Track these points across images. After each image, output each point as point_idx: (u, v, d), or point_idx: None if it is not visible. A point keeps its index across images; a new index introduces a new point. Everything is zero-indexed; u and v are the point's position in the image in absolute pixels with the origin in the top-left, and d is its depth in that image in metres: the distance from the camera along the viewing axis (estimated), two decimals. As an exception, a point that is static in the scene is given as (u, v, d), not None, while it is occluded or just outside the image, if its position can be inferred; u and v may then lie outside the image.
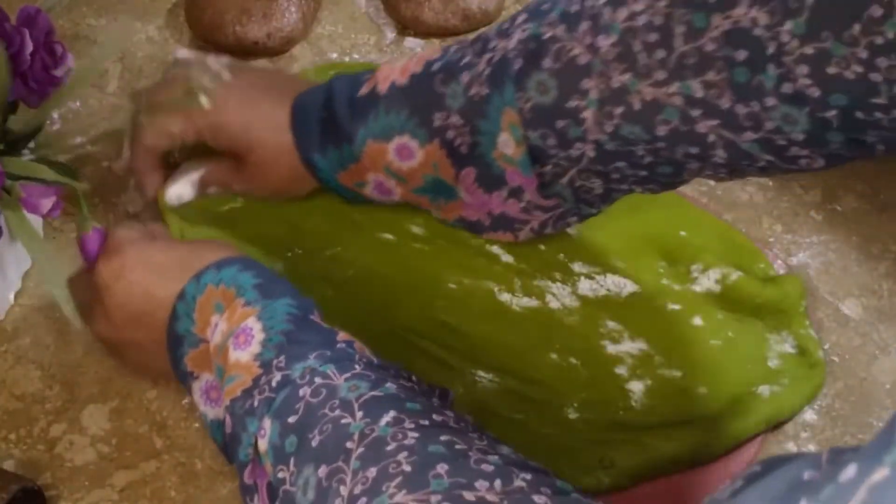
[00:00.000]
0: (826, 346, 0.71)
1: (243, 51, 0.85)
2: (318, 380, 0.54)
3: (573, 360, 0.69)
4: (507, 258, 0.73)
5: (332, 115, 0.67)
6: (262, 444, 0.54)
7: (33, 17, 0.65)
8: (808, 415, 0.68)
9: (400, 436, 0.50)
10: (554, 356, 0.69)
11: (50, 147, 0.69)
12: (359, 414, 0.52)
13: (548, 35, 0.60)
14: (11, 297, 0.73)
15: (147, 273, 0.62)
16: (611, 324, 0.71)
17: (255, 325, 0.58)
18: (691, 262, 0.73)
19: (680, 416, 0.66)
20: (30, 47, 0.64)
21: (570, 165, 0.62)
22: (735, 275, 0.72)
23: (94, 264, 0.65)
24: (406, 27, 0.88)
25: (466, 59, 0.64)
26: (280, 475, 0.52)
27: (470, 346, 0.69)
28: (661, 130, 0.58)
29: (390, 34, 0.88)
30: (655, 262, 0.73)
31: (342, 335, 0.59)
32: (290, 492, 0.52)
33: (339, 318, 0.69)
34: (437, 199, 0.69)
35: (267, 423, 0.54)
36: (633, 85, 0.57)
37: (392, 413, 0.51)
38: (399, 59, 0.67)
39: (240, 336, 0.58)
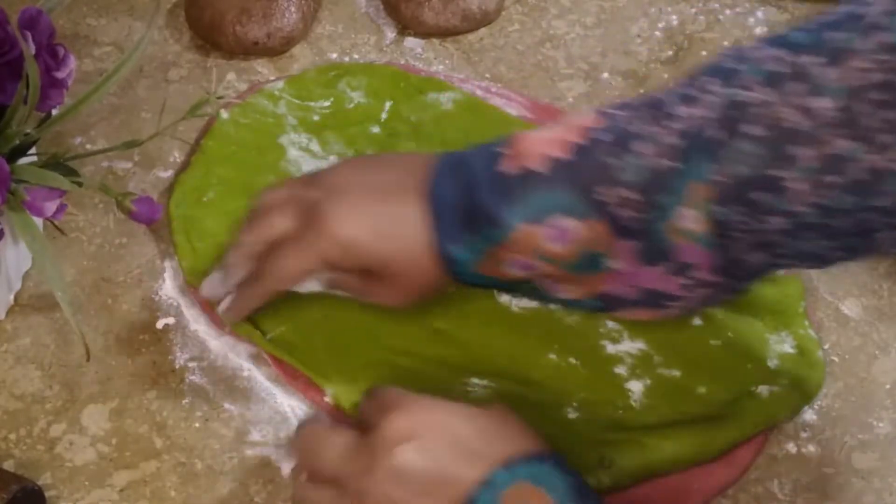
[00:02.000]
0: (826, 346, 0.71)
1: (243, 51, 0.86)
2: None
3: (572, 360, 0.69)
4: (507, 258, 0.73)
5: (472, 198, 0.60)
6: None
7: (35, 19, 0.65)
8: (808, 415, 0.68)
9: None
10: (553, 356, 0.69)
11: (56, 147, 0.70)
12: None
13: (748, 98, 0.54)
14: (11, 297, 0.73)
15: (446, 443, 0.55)
16: (610, 323, 0.71)
17: None
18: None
19: (679, 416, 0.66)
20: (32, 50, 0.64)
21: (751, 239, 0.56)
22: (735, 275, 0.72)
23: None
24: (406, 27, 0.88)
25: (642, 128, 0.57)
26: None
27: (465, 352, 0.69)
28: (881, 201, 0.52)
29: (390, 34, 0.88)
30: (655, 262, 0.73)
31: None
32: None
33: (326, 340, 0.69)
34: (579, 273, 0.61)
35: None
36: (853, 151, 0.52)
37: None
38: (544, 127, 0.61)
39: None
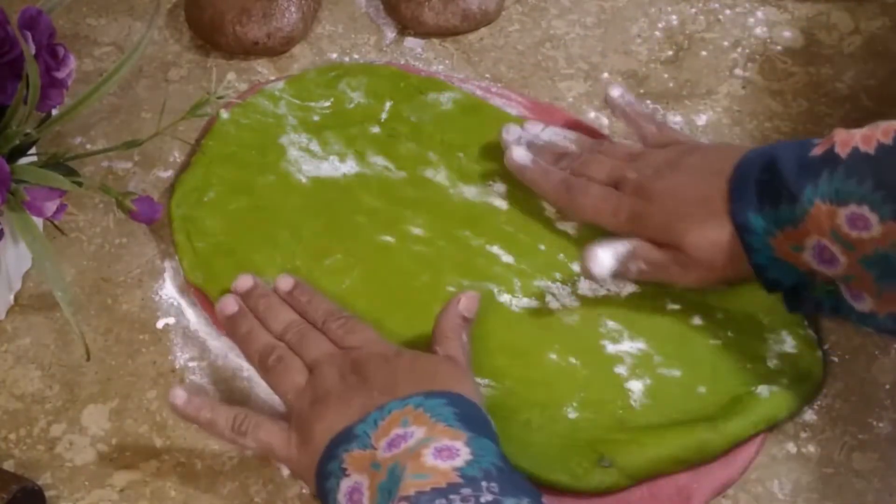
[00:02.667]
0: (826, 346, 0.71)
1: (243, 51, 0.86)
2: None
3: (573, 360, 0.69)
4: (507, 259, 0.73)
5: (775, 174, 0.63)
6: None
7: (35, 19, 0.65)
8: (808, 415, 0.68)
9: None
10: (553, 356, 0.69)
11: (56, 147, 0.70)
12: None
13: None
14: (11, 297, 0.73)
15: (381, 372, 0.63)
16: (610, 323, 0.71)
17: (462, 449, 0.56)
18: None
19: (679, 416, 0.66)
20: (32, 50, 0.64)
21: None
22: (735, 275, 0.72)
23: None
24: (406, 27, 0.88)
25: None
26: None
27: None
28: None
29: (390, 34, 0.88)
30: (655, 261, 0.73)
31: (543, 499, 0.56)
32: None
33: None
34: (882, 280, 0.62)
35: None
36: None
37: None
38: (866, 127, 0.62)
39: (443, 451, 0.55)
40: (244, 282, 0.70)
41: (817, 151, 0.62)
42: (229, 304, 0.69)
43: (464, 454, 0.55)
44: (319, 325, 0.67)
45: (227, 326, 0.69)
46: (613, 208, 0.70)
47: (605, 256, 0.68)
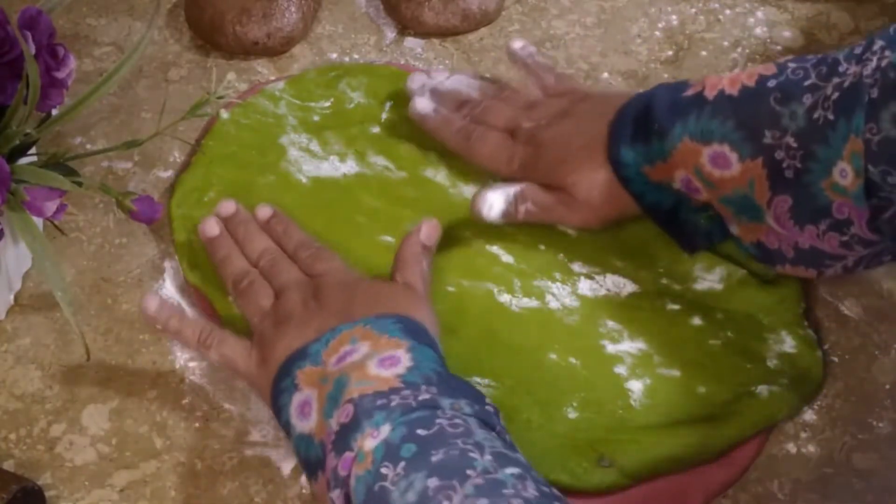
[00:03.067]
0: (826, 346, 0.71)
1: (243, 51, 0.86)
2: (459, 420, 0.55)
3: (573, 360, 0.69)
4: (507, 258, 0.73)
5: (648, 112, 0.67)
6: (371, 443, 0.54)
7: (35, 19, 0.65)
8: (808, 415, 0.68)
9: (520, 486, 0.50)
10: (553, 356, 0.69)
11: (56, 147, 0.70)
12: (487, 457, 0.52)
13: None
14: (11, 297, 0.73)
15: (337, 295, 0.66)
16: (610, 323, 0.71)
17: (404, 356, 0.59)
18: (691, 262, 0.73)
19: (679, 416, 0.66)
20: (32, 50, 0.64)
21: None
22: (734, 275, 0.72)
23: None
24: (406, 27, 0.88)
25: (810, 81, 0.62)
26: (383, 471, 0.53)
27: (466, 352, 0.69)
28: None
29: (390, 34, 0.88)
30: (655, 261, 0.73)
31: (489, 400, 0.59)
32: (386, 488, 0.52)
33: None
34: (739, 215, 0.67)
35: (387, 427, 0.55)
36: None
37: (518, 470, 0.52)
38: (736, 71, 0.67)
39: (386, 361, 0.59)
40: (227, 207, 0.73)
41: (689, 93, 0.66)
42: (211, 227, 0.72)
43: (405, 361, 0.59)
44: (291, 254, 0.71)
45: (208, 248, 0.72)
46: (507, 157, 0.74)
47: (494, 198, 0.71)
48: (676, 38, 0.88)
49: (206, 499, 0.65)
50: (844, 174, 0.60)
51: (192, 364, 0.71)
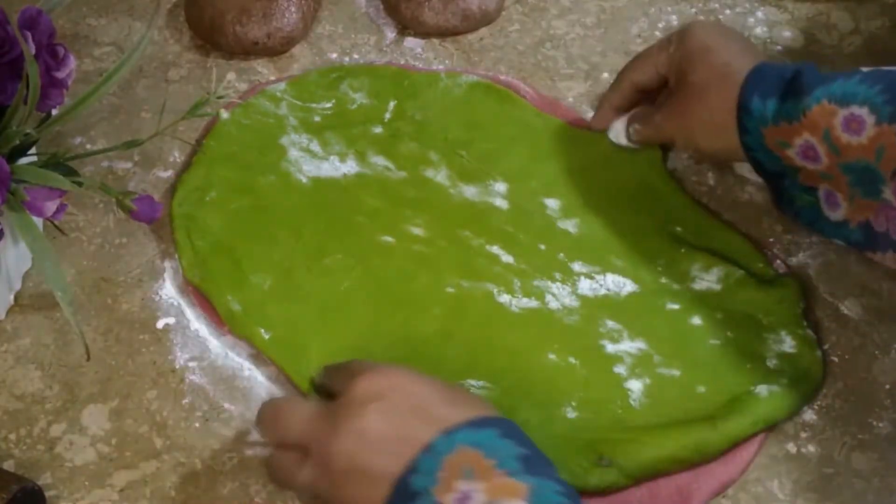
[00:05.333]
0: (826, 347, 0.71)
1: (243, 51, 0.86)
2: None
3: (572, 360, 0.69)
4: (507, 259, 0.73)
5: (795, 74, 0.67)
6: None
7: (35, 19, 0.65)
8: (808, 415, 0.68)
9: None
10: (553, 356, 0.69)
11: (56, 147, 0.70)
12: None
13: None
14: (11, 297, 0.73)
15: (406, 406, 0.56)
16: (610, 323, 0.71)
17: None
18: (691, 262, 0.73)
19: (679, 416, 0.66)
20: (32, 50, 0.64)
21: None
22: (734, 275, 0.72)
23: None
24: (406, 27, 0.88)
25: None
26: None
27: (465, 352, 0.69)
28: None
29: (390, 34, 0.88)
30: (655, 260, 0.73)
31: None
32: None
33: (323, 338, 0.70)
34: (854, 187, 0.67)
35: None
36: None
37: None
38: None
39: None
40: None
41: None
42: None
43: None
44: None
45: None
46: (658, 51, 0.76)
47: (619, 125, 0.78)
48: (676, 38, 0.87)
49: (206, 499, 0.65)
50: None
51: (192, 364, 0.71)
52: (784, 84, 0.67)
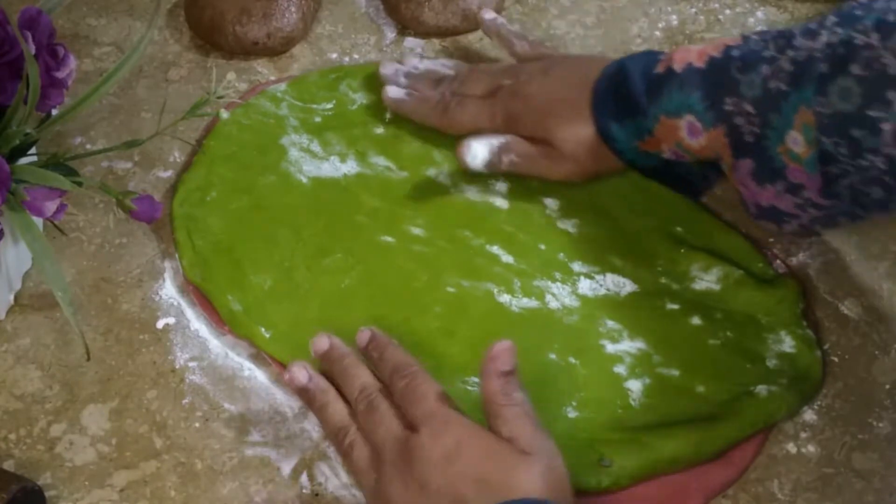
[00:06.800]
0: (826, 346, 0.71)
1: (243, 51, 0.86)
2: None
3: (572, 360, 0.69)
4: (507, 258, 0.73)
5: (627, 89, 0.69)
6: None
7: (35, 19, 0.65)
8: (808, 415, 0.68)
9: None
10: (553, 356, 0.69)
11: (56, 147, 0.70)
12: None
13: (859, 42, 0.59)
14: (11, 297, 0.73)
15: (469, 476, 0.58)
16: (610, 323, 0.71)
17: None
18: (690, 262, 0.73)
19: (678, 416, 0.66)
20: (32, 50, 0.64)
21: (855, 172, 0.61)
22: (733, 275, 0.72)
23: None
24: (406, 27, 0.88)
25: (768, 53, 0.64)
26: None
27: (465, 351, 0.69)
28: None
29: (390, 34, 0.88)
30: (654, 260, 0.73)
31: None
32: None
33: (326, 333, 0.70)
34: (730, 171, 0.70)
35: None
36: None
37: None
38: (705, 44, 0.69)
39: None
40: (320, 344, 0.67)
41: (660, 69, 0.68)
42: (300, 376, 0.66)
43: None
44: (387, 382, 0.64)
45: (301, 396, 0.67)
46: (490, 114, 0.75)
47: (479, 147, 0.73)
48: (676, 38, 0.87)
49: (206, 499, 0.65)
50: (796, 142, 0.62)
51: (192, 364, 0.71)
52: (622, 102, 0.69)
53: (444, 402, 0.61)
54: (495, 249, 0.74)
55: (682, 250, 0.73)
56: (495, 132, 0.74)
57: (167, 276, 0.75)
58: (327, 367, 0.67)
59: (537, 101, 0.73)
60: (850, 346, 0.71)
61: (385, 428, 0.62)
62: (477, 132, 0.74)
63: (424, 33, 0.88)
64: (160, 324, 0.72)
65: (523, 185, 0.77)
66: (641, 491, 0.64)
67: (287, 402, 0.69)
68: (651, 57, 0.70)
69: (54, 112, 0.70)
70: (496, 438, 0.59)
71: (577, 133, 0.72)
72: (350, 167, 0.78)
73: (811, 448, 0.67)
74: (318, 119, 0.81)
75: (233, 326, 0.71)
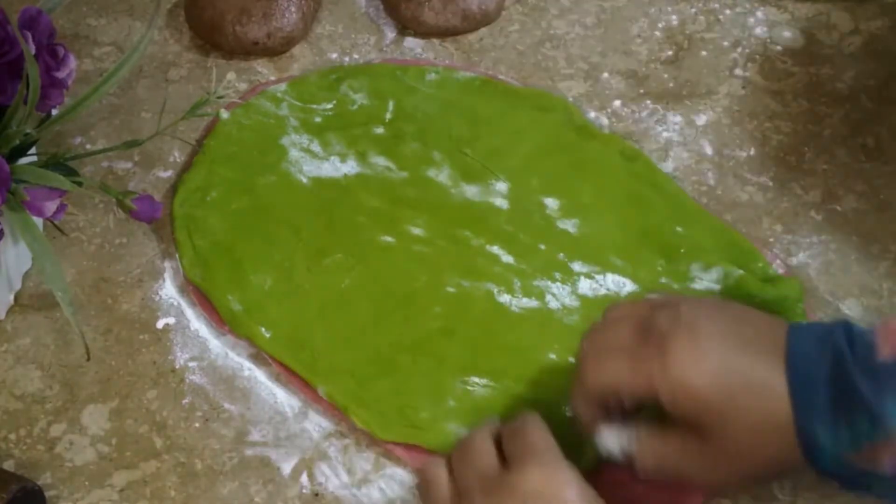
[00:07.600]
0: (826, 346, 0.71)
1: (243, 51, 0.86)
2: None
3: (572, 360, 0.69)
4: (507, 258, 0.73)
5: (845, 380, 0.54)
6: None
7: (35, 19, 0.65)
8: (808, 415, 0.68)
9: None
10: (552, 356, 0.69)
11: (56, 147, 0.70)
12: None
13: None
14: (11, 297, 0.73)
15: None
16: (610, 324, 0.71)
17: None
18: (690, 261, 0.73)
19: (680, 416, 0.66)
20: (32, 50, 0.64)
21: None
22: (734, 275, 0.72)
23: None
24: (406, 27, 0.88)
25: None
26: None
27: (465, 351, 0.69)
28: None
29: (390, 34, 0.88)
30: (655, 260, 0.73)
31: None
32: None
33: (325, 338, 0.70)
34: None
35: None
36: None
37: None
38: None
39: None
40: None
41: (885, 355, 0.54)
42: None
43: None
44: None
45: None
46: (640, 373, 0.58)
47: (610, 441, 0.61)
48: (676, 38, 0.88)
49: (205, 499, 0.65)
50: None
51: (192, 364, 0.71)
52: (840, 397, 0.54)
53: None
54: (495, 249, 0.74)
55: (683, 250, 0.73)
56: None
57: (167, 276, 0.75)
58: None
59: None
60: (850, 346, 0.71)
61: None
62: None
63: (424, 33, 0.88)
64: (160, 324, 0.72)
65: (523, 185, 0.77)
66: (642, 490, 0.64)
67: (287, 402, 0.69)
68: (862, 334, 0.55)
69: (54, 112, 0.70)
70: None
71: (765, 423, 0.55)
72: (350, 167, 0.78)
73: (811, 448, 0.67)
74: (318, 119, 0.81)
75: (233, 326, 0.71)
